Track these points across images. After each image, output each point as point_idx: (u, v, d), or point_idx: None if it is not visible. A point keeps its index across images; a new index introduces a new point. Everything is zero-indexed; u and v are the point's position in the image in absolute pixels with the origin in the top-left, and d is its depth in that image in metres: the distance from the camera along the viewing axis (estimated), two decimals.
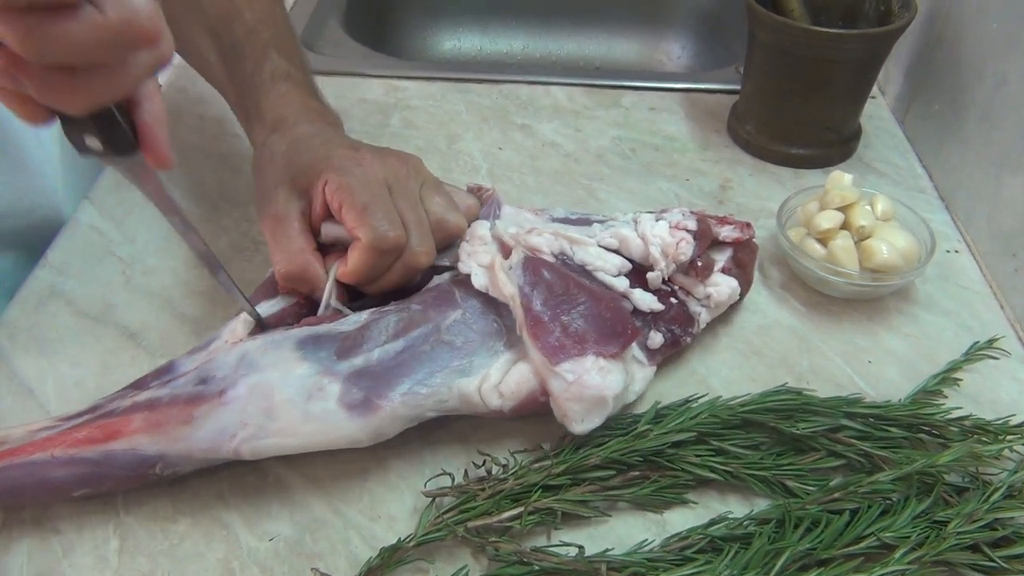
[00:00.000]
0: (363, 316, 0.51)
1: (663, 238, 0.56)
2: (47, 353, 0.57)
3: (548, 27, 1.15)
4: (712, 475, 0.49)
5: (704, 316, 0.57)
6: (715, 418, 0.50)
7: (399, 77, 0.87)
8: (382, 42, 1.06)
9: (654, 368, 0.54)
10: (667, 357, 0.56)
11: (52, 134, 0.71)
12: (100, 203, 0.70)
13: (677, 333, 0.55)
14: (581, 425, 0.49)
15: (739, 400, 0.51)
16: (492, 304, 0.52)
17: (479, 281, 0.52)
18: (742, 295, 0.60)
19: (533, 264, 0.52)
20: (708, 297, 0.57)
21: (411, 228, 0.51)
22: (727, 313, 0.60)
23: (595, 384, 0.48)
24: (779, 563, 0.43)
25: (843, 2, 0.75)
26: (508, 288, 0.50)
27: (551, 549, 0.45)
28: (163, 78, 0.89)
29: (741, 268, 0.60)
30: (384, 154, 0.55)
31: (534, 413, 0.50)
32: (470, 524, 0.46)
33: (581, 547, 0.46)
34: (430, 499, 0.48)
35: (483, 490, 0.47)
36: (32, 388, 0.55)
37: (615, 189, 0.73)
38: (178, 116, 0.81)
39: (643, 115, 0.83)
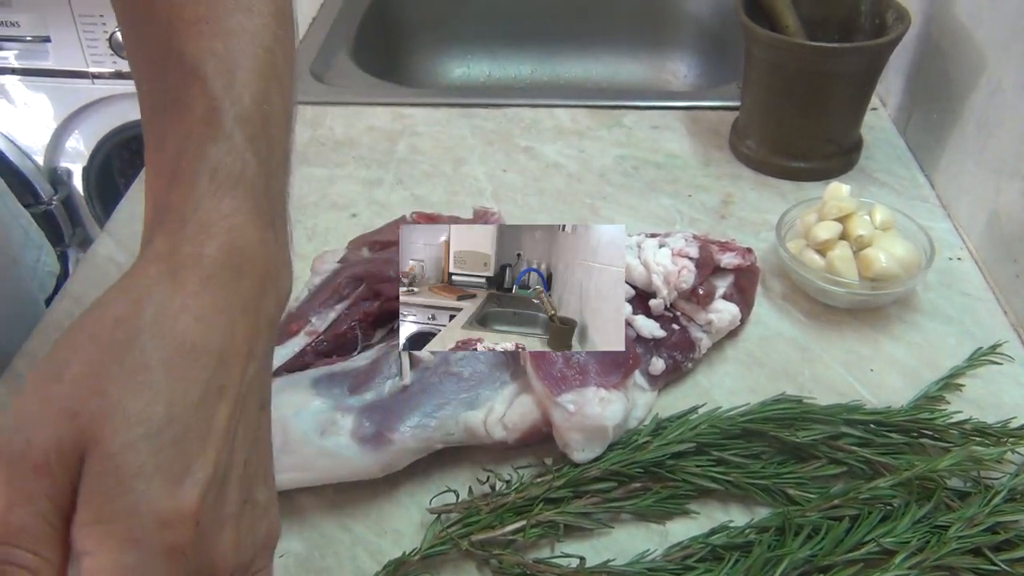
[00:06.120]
0: (374, 352, 0.53)
1: (665, 266, 0.56)
2: None
3: (555, 52, 1.17)
4: (713, 485, 0.49)
5: (705, 341, 0.58)
6: (715, 428, 0.51)
7: (406, 104, 0.89)
8: (392, 72, 1.08)
9: (656, 393, 0.55)
10: None
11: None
12: (116, 235, 0.72)
13: (679, 359, 0.56)
14: (582, 454, 0.50)
15: (739, 410, 0.52)
16: None
17: None
18: (743, 319, 0.60)
19: None
20: (709, 323, 0.57)
21: None
22: None
23: (596, 415, 0.49)
24: (779, 570, 0.44)
25: (838, 16, 0.76)
26: None
27: (554, 560, 0.46)
28: None
29: (742, 293, 0.60)
30: None
31: (538, 443, 0.51)
32: (474, 537, 0.46)
33: (583, 558, 0.46)
34: (436, 515, 0.49)
35: (487, 504, 0.48)
36: None
37: (618, 207, 0.74)
38: None
39: (645, 134, 0.84)
